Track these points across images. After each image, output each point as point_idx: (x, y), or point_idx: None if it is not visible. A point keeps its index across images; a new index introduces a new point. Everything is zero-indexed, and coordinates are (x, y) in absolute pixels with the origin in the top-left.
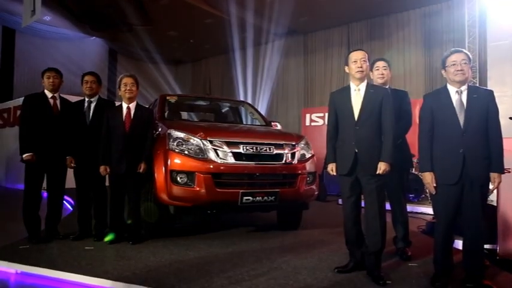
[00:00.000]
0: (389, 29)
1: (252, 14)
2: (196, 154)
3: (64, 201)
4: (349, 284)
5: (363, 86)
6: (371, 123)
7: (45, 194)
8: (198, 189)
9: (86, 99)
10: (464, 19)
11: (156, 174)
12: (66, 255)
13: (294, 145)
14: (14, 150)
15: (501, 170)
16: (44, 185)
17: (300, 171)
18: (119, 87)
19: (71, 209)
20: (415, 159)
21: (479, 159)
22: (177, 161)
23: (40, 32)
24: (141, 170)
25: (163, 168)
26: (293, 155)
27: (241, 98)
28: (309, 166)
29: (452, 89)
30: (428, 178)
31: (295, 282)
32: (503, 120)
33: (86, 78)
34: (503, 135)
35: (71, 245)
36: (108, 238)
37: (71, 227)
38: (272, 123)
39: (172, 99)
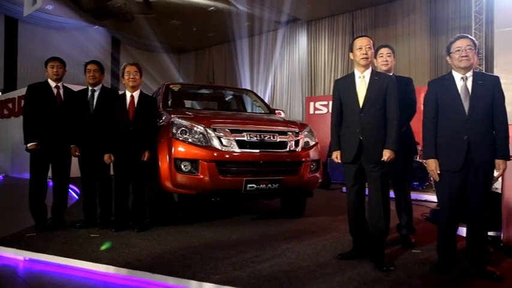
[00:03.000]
0: (394, 16)
1: (255, 1)
2: (200, 142)
3: (70, 190)
4: (352, 271)
5: (368, 73)
6: (376, 111)
7: (50, 183)
8: (202, 177)
9: (89, 88)
10: (471, 5)
11: (160, 163)
12: (72, 242)
13: (297, 133)
14: (19, 140)
15: (506, 156)
16: (50, 174)
17: (303, 159)
18: (122, 75)
19: (77, 197)
20: (419, 147)
21: (484, 146)
22: (180, 149)
23: (43, 22)
24: (145, 159)
25: (167, 157)
26: (297, 142)
27: (245, 87)
28: (312, 154)
29: (457, 76)
30: (432, 165)
31: (299, 269)
32: (509, 107)
33: (89, 67)
34: (509, 121)
35: (76, 233)
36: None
37: (77, 215)
38: (276, 111)
39: (176, 88)
